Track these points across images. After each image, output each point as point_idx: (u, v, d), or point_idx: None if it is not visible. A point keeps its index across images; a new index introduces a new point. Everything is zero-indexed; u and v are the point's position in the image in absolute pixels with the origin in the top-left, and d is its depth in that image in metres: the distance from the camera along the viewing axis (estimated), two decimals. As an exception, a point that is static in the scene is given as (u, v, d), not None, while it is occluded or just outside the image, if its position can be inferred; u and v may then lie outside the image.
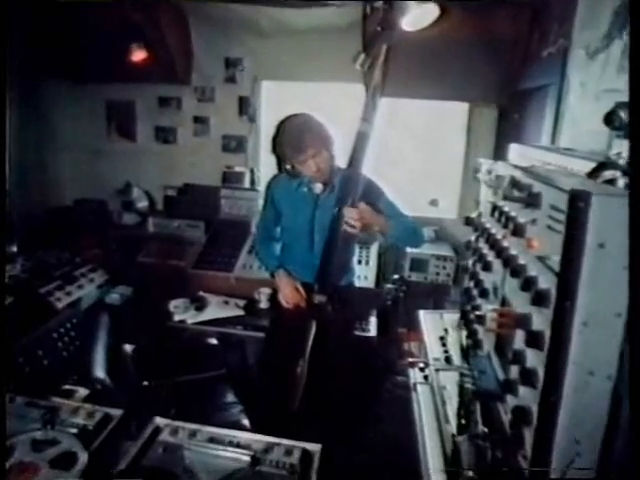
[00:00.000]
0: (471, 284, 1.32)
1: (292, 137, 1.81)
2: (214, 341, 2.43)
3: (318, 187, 1.96)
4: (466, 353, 1.34)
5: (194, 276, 2.93)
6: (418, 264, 3.01)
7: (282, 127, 1.86)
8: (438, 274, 3.01)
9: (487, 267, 1.19)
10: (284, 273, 2.08)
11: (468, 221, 1.30)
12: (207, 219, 3.28)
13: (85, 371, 2.01)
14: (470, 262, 1.36)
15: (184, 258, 3.03)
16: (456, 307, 3.26)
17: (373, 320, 2.59)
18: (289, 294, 2.03)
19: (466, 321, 1.32)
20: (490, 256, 1.19)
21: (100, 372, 2.06)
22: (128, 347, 2.36)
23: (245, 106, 3.41)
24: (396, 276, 2.91)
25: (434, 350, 1.92)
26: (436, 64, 2.82)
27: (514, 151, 2.04)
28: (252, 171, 3.43)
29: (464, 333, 1.37)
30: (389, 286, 2.80)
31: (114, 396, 2.02)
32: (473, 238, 1.33)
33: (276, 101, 3.43)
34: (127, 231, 3.45)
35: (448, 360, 1.85)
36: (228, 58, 3.37)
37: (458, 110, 3.23)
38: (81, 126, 3.65)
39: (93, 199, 3.63)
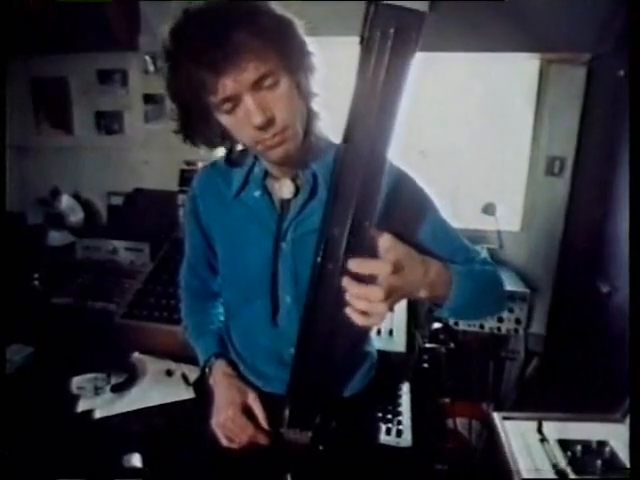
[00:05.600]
0: None
1: (207, 29, 0.73)
2: (137, 462, 1.41)
3: (285, 187, 0.91)
4: None
5: (125, 329, 1.91)
6: (471, 305, 1.96)
7: (187, 14, 0.78)
8: (501, 320, 1.95)
9: None
10: (225, 370, 1.03)
11: None
12: (157, 239, 2.27)
13: None
14: None
15: (114, 299, 2.03)
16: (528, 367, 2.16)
17: (406, 413, 1.52)
18: (229, 423, 0.95)
19: None
20: None
21: None
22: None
23: (213, 76, 2.42)
24: (437, 325, 1.88)
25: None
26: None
27: None
28: (222, 168, 2.42)
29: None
30: (428, 346, 1.77)
31: None
32: None
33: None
34: (52, 257, 2.46)
35: None
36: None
37: (523, 69, 2.19)
38: None
39: (10, 212, 2.66)
